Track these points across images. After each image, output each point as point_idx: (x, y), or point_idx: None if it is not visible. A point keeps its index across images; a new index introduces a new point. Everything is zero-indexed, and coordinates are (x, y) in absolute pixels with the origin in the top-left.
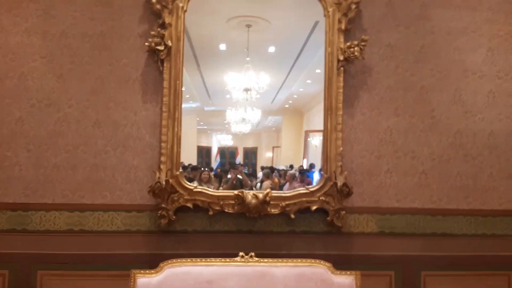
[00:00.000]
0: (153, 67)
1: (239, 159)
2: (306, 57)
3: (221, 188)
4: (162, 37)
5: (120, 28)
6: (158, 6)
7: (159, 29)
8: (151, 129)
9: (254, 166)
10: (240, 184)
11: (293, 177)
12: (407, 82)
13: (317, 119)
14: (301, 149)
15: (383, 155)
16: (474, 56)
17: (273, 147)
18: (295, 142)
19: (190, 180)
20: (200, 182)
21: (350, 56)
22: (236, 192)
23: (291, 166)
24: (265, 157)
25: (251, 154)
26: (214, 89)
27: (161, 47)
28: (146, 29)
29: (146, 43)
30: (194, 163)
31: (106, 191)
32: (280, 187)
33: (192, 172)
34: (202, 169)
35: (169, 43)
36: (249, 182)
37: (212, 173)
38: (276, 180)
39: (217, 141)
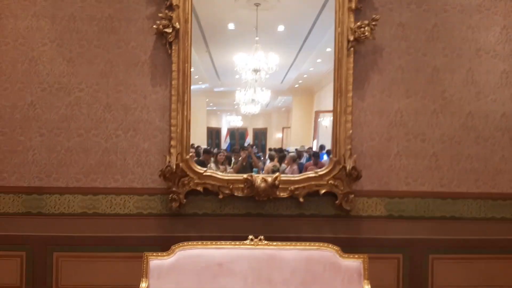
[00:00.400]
0: (161, 49)
1: (249, 140)
2: (316, 36)
3: (230, 169)
4: (170, 19)
5: (128, 11)
6: None
7: (166, 11)
8: (161, 113)
9: (264, 147)
10: (250, 165)
11: (293, 159)
12: (418, 62)
13: (328, 99)
14: (311, 129)
15: (393, 138)
16: (488, 34)
17: (283, 128)
18: (305, 123)
19: (202, 163)
20: (217, 163)
21: (361, 36)
22: (245, 176)
23: (302, 147)
24: (275, 138)
25: (261, 135)
26: (223, 70)
27: (169, 30)
28: (153, 11)
29: (154, 26)
30: (204, 144)
31: (118, 174)
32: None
33: (204, 155)
34: (216, 150)
35: (177, 25)
36: (259, 163)
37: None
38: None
39: (227, 122)
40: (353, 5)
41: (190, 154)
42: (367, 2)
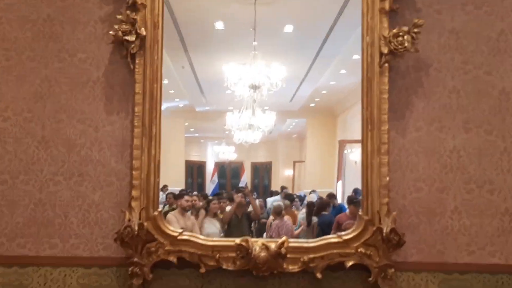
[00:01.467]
0: (120, 64)
1: (245, 179)
2: (338, 39)
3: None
4: (133, 23)
5: (74, 11)
6: None
7: (128, 12)
8: (119, 151)
9: (267, 189)
10: (247, 216)
11: (277, 211)
12: (480, 84)
13: (357, 124)
14: (334, 166)
15: (448, 188)
16: None
17: (294, 162)
18: (326, 156)
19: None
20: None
21: (398, 47)
22: (238, 241)
23: (313, 192)
24: (283, 176)
25: (263, 172)
26: (209, 83)
27: (131, 37)
28: (110, 11)
29: (111, 32)
30: (182, 185)
31: (56, 237)
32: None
33: (176, 201)
34: (184, 192)
35: (143, 31)
36: (260, 212)
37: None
38: (295, 212)
39: (214, 155)
40: (386, 6)
41: (159, 210)
42: (406, 2)
